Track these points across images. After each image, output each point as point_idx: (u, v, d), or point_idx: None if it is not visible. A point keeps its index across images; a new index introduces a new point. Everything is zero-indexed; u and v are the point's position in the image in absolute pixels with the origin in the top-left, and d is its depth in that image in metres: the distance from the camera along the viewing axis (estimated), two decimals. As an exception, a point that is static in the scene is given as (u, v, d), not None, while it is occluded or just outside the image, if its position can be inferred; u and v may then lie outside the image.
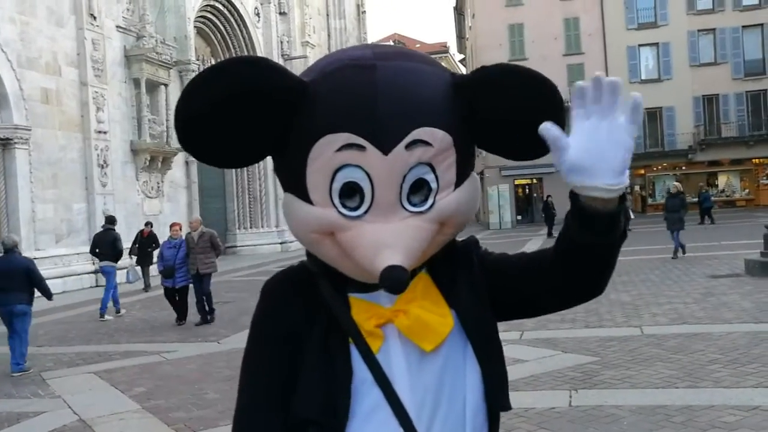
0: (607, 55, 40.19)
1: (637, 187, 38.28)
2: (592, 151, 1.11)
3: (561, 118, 1.20)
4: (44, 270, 11.76)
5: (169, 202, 24.56)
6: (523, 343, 8.44)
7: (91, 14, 20.54)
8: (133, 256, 16.58)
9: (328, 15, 40.50)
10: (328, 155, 1.15)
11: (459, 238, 1.39)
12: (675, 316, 9.46)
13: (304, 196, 1.20)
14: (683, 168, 40.83)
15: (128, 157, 22.59)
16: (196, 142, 1.22)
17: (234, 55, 1.28)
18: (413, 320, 1.23)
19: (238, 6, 29.63)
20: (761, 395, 5.75)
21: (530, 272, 1.32)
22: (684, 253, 16.57)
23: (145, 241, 16.98)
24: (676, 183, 19.33)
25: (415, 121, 1.15)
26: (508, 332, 9.13)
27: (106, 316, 12.94)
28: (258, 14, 31.28)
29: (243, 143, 1.22)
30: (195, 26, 26.84)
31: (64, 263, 18.77)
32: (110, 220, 14.35)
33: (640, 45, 40.37)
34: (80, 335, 11.54)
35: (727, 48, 39.69)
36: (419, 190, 1.19)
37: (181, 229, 12.55)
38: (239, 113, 1.17)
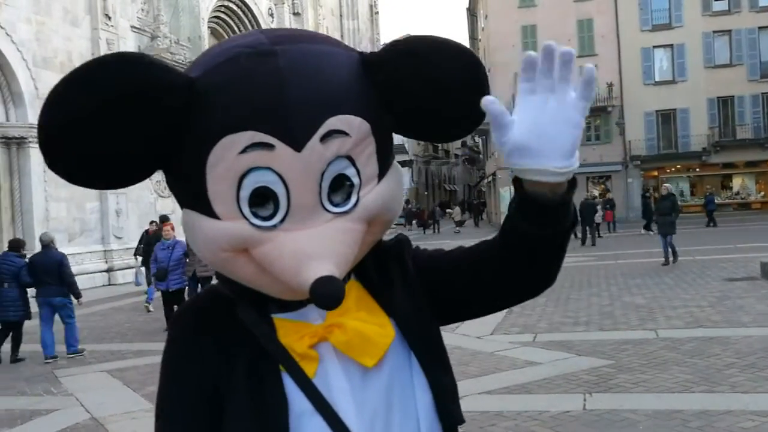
0: (621, 56, 39.96)
1: (650, 190, 38.02)
2: (539, 129, 1.00)
3: (483, 92, 1.07)
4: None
5: (181, 202, 24.63)
6: (536, 345, 8.38)
7: (106, 14, 20.67)
8: (138, 257, 16.08)
9: (341, 16, 40.59)
10: (231, 159, 0.98)
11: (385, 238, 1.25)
12: (690, 320, 9.37)
13: (207, 210, 1.03)
14: (697, 170, 40.53)
15: (141, 156, 22.64)
16: (68, 161, 0.99)
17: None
18: (351, 334, 1.08)
19: (252, 6, 29.73)
20: (779, 400, 5.67)
21: (468, 265, 1.20)
22: (675, 260, 15.70)
23: (152, 240, 16.30)
24: (667, 185, 18.34)
25: (328, 110, 1.01)
26: (521, 335, 9.08)
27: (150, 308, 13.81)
28: (272, 15, 31.36)
29: (123, 158, 1.01)
30: (209, 26, 26.94)
31: (76, 262, 18.81)
32: (163, 219, 14.63)
33: (654, 46, 40.08)
34: (93, 334, 11.57)
35: (743, 49, 39.35)
36: (340, 187, 1.04)
37: (173, 229, 11.70)
38: (116, 121, 0.96)
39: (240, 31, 29.48)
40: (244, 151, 0.98)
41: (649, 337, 8.50)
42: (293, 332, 1.10)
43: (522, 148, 1.01)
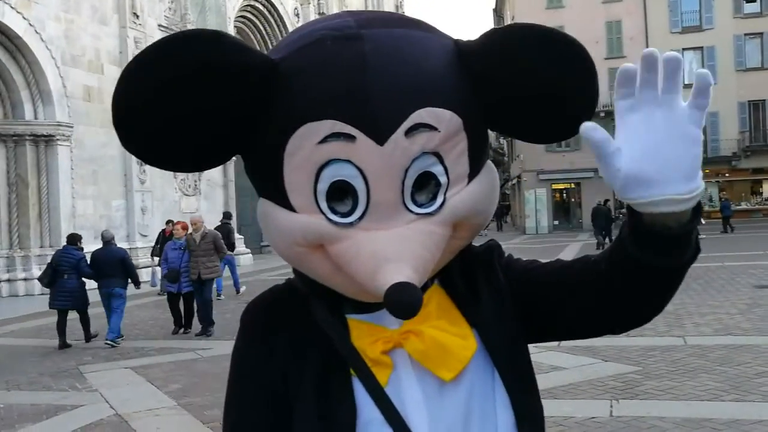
0: (650, 58, 39.56)
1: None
2: (653, 152, 0.87)
3: (593, 90, 1.00)
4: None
5: (206, 200, 24.79)
6: (561, 350, 8.28)
7: (134, 13, 20.86)
8: (155, 258, 15.41)
9: (367, 16, 40.64)
10: (309, 149, 0.93)
11: (476, 243, 1.16)
12: (719, 327, 9.20)
13: (284, 201, 0.98)
14: (726, 175, 39.96)
15: (167, 154, 22.84)
16: (140, 139, 0.96)
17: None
18: (428, 343, 1.00)
19: (278, 6, 29.85)
20: (812, 411, 5.53)
21: (568, 285, 1.08)
22: None
23: (168, 240, 16.19)
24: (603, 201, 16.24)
25: (416, 101, 0.93)
26: (546, 338, 8.97)
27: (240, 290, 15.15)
28: (297, 15, 31.45)
29: (201, 139, 0.97)
30: (235, 26, 27.08)
31: (103, 259, 19.03)
32: (227, 215, 15.79)
33: (684, 49, 39.56)
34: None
35: (774, 53, 38.76)
36: (425, 186, 0.96)
37: (185, 228, 11.38)
38: (192, 100, 0.92)
39: (266, 31, 29.62)
40: (323, 141, 0.92)
41: (677, 343, 8.36)
42: (367, 335, 1.03)
43: (637, 178, 0.88)
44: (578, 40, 1.01)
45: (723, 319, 9.67)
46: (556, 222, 40.47)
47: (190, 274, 10.75)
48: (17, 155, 18.01)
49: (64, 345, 10.15)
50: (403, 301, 0.90)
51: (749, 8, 38.95)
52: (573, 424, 5.52)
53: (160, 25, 22.55)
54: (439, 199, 0.98)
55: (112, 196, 20.17)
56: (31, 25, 17.62)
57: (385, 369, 1.01)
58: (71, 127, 18.44)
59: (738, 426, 5.24)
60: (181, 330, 11.03)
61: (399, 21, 1.02)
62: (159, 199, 21.89)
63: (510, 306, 1.10)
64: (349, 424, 0.99)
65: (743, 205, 37.91)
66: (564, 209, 42.17)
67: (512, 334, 1.09)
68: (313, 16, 32.33)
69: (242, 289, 15.37)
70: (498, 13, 54.92)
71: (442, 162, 0.96)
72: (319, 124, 0.92)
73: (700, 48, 39.38)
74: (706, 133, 39.20)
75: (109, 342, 10.04)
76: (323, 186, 0.94)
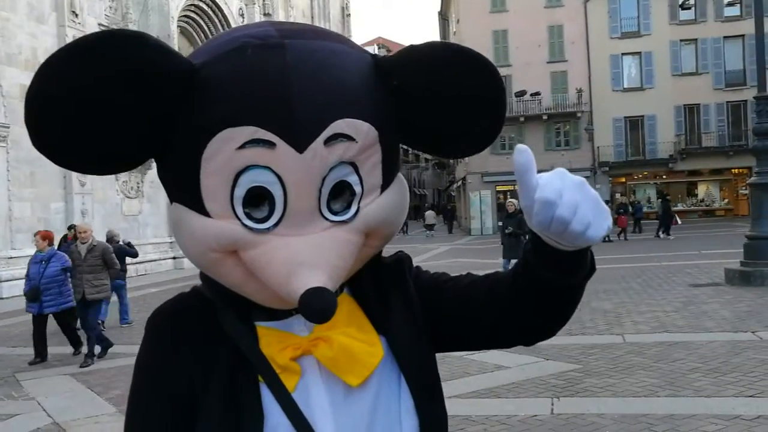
0: (590, 63, 40.43)
1: (618, 194, 38.52)
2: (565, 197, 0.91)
3: (500, 104, 1.05)
4: (19, 269, 11.58)
5: (149, 203, 24.34)
6: (504, 349, 8.39)
7: (73, 11, 20.38)
8: None
9: (312, 17, 40.50)
10: (228, 154, 0.93)
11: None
12: (656, 324, 9.48)
13: (198, 206, 0.97)
14: (664, 177, 41.16)
15: (108, 156, 22.34)
16: (52, 139, 0.93)
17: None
18: (337, 350, 1.02)
19: (222, 6, 29.52)
20: (742, 404, 5.75)
21: (475, 298, 1.12)
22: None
23: (72, 248, 13.69)
24: (512, 200, 15.12)
25: (336, 112, 0.94)
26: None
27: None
28: (242, 15, 31.17)
29: (115, 141, 0.95)
30: (178, 26, 26.68)
31: (41, 263, 18.51)
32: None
33: (623, 54, 40.64)
34: (56, 336, 11.32)
35: (708, 58, 40.07)
36: (341, 195, 0.99)
37: (47, 239, 9.60)
38: (109, 101, 0.91)
39: (210, 31, 29.25)
40: (243, 146, 0.92)
41: (616, 341, 8.58)
42: (276, 342, 1.04)
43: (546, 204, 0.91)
44: (487, 58, 1.05)
45: (660, 317, 9.96)
46: (501, 223, 40.96)
47: (74, 293, 9.35)
48: (-51, 156, 17.41)
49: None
50: (317, 306, 0.92)
51: (684, 15, 40.18)
52: (515, 422, 5.61)
53: (100, 24, 22.05)
54: (353, 208, 1.00)
55: (51, 198, 19.64)
56: (-37, 22, 17.07)
57: (293, 375, 1.03)
58: (7, 127, 17.89)
59: (672, 421, 5.42)
60: (39, 360, 9.26)
61: (320, 33, 1.04)
62: (100, 202, 21.40)
63: (419, 316, 1.13)
64: (256, 430, 1.00)
65: (680, 207, 39.05)
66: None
67: (420, 342, 1.12)
68: (258, 17, 32.10)
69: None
70: (443, 16, 55.36)
71: (357, 172, 0.99)
72: (239, 130, 0.92)
73: (639, 53, 40.46)
74: (645, 136, 40.35)
75: (124, 326, 11.74)
76: (240, 192, 0.95)
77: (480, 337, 1.17)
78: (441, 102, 1.03)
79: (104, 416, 6.53)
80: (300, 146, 0.93)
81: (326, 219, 0.98)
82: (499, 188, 40.99)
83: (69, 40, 19.71)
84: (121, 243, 12.07)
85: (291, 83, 0.93)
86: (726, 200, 42.05)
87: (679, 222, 30.02)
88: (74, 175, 20.07)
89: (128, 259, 12.90)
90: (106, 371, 8.53)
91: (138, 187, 23.78)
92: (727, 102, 39.93)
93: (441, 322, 1.14)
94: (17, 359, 9.52)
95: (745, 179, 41.37)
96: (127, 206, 23.06)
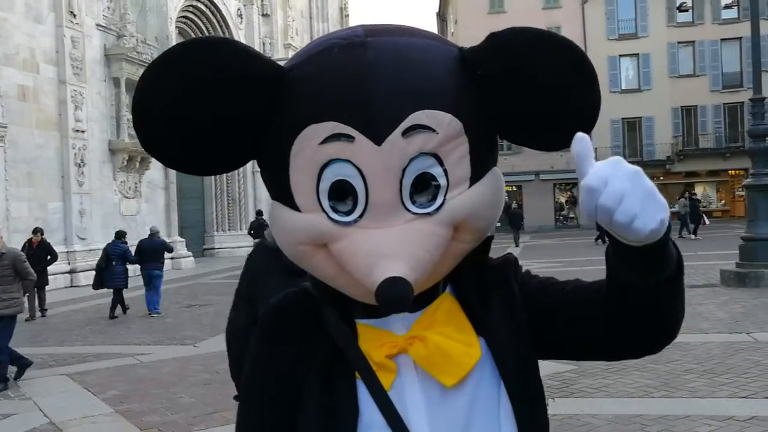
0: (588, 64, 40.52)
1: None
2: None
3: (592, 91, 1.02)
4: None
5: (146, 203, 24.33)
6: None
7: (71, 12, 20.35)
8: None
9: (311, 17, 40.48)
10: (312, 149, 0.96)
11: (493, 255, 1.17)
12: (651, 326, 9.50)
13: (290, 201, 1.01)
14: (661, 178, 41.19)
15: (106, 156, 22.35)
16: (161, 144, 1.02)
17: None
18: (432, 349, 1.02)
19: (221, 7, 29.52)
20: (735, 405, 5.78)
21: (574, 305, 1.09)
22: None
23: (36, 253, 12.80)
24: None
25: (414, 103, 0.95)
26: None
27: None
28: (241, 15, 31.17)
29: (217, 144, 1.02)
30: (177, 26, 26.67)
31: (38, 263, 18.49)
32: (259, 213, 17.13)
33: (620, 55, 40.72)
34: (53, 336, 11.37)
35: (705, 60, 40.17)
36: (425, 188, 0.98)
37: None
38: (204, 105, 0.98)
39: (209, 32, 29.23)
40: (324, 141, 0.96)
41: (611, 342, 8.60)
42: (374, 339, 1.05)
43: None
44: (576, 44, 1.04)
45: (655, 319, 9.98)
46: (498, 224, 41.03)
47: None
48: (-53, 156, 17.40)
49: (112, 317, 12.90)
50: (392, 295, 0.92)
51: (682, 17, 40.28)
52: (510, 422, 5.64)
53: (98, 25, 22.07)
54: (439, 200, 0.99)
55: (49, 198, 19.62)
56: (-39, 22, 17.07)
57: (389, 373, 1.04)
58: (5, 127, 17.87)
59: (666, 421, 5.45)
60: None
61: (406, 30, 1.06)
62: (98, 202, 21.37)
63: (523, 320, 1.11)
64: (351, 426, 1.02)
65: (677, 208, 39.06)
66: (505, 211, 42.84)
67: (521, 346, 1.09)
68: (256, 17, 32.10)
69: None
70: (441, 17, 55.42)
71: (441, 164, 0.98)
72: (320, 126, 0.96)
73: (636, 55, 40.55)
74: (642, 137, 40.41)
75: (155, 314, 12.90)
76: (325, 185, 0.98)
77: (582, 346, 1.13)
78: (528, 88, 1.02)
79: (101, 416, 6.54)
80: (378, 139, 0.95)
81: (409, 211, 0.98)
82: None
83: (67, 40, 19.92)
84: (157, 235, 14.05)
85: (369, 78, 0.96)
86: (723, 202, 42.14)
87: (707, 222, 28.64)
88: (72, 174, 20.06)
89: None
90: (102, 371, 8.55)
91: (136, 187, 23.77)
92: (724, 104, 40.02)
93: (543, 328, 1.12)
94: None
95: (741, 181, 41.52)
96: (125, 206, 23.04)
